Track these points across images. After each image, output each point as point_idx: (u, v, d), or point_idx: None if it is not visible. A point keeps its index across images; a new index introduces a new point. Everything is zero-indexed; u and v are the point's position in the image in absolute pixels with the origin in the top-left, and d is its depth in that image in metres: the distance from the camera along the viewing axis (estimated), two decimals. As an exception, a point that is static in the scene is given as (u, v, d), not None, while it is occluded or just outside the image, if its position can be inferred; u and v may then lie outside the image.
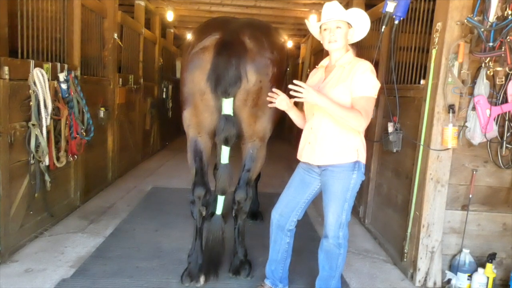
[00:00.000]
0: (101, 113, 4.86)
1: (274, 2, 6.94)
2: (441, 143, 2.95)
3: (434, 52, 2.99)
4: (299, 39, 10.30)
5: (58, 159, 3.56)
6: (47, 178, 3.43)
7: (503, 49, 2.63)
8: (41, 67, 3.33)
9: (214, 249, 2.82)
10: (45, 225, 3.66)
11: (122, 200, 4.82)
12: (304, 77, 9.10)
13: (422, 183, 3.06)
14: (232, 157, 2.79)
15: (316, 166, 2.49)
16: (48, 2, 3.67)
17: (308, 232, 3.94)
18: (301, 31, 9.34)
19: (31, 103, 3.21)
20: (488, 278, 2.90)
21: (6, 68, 2.93)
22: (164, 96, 8.80)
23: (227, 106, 2.68)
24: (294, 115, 2.64)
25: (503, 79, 2.82)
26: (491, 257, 2.93)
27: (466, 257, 3.01)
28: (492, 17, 2.66)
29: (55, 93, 3.52)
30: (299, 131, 2.70)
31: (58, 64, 3.68)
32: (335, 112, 2.29)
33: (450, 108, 2.90)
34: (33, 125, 3.20)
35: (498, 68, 2.78)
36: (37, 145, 3.26)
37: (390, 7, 3.19)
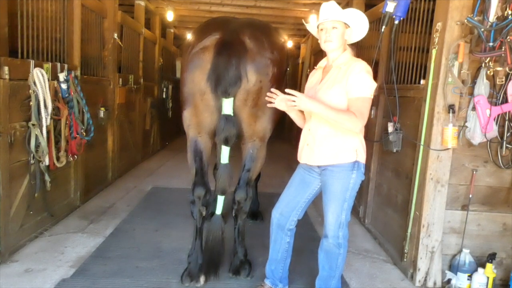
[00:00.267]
0: (101, 113, 4.86)
1: (274, 2, 6.94)
2: (441, 143, 2.95)
3: (434, 52, 2.99)
4: (299, 39, 10.30)
5: (58, 159, 3.56)
6: (47, 178, 3.43)
7: (503, 49, 2.63)
8: (41, 67, 3.33)
9: (214, 249, 2.81)
10: (45, 225, 3.66)
11: (122, 200, 4.82)
12: (304, 77, 9.11)
13: (422, 183, 3.06)
14: (232, 157, 2.79)
15: (316, 166, 2.50)
16: (48, 2, 3.68)
17: (308, 232, 3.94)
18: (301, 31, 9.34)
19: (31, 103, 3.21)
20: (488, 278, 2.90)
21: (6, 68, 2.93)
22: (164, 96, 8.80)
23: (227, 106, 2.68)
24: (294, 115, 2.64)
25: (503, 79, 2.82)
26: (491, 257, 2.93)
27: (466, 257, 3.01)
28: (492, 17, 2.66)
29: (55, 93, 3.52)
30: (299, 131, 2.70)
31: (58, 64, 3.68)
32: (329, 117, 2.32)
33: (450, 108, 2.89)
34: (33, 125, 3.20)
35: (498, 68, 2.78)
36: (37, 145, 3.26)
37: (390, 7, 3.19)
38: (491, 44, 2.67)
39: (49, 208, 3.64)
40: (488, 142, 2.96)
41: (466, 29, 2.82)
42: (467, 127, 2.94)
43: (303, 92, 2.52)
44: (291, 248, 2.73)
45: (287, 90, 2.37)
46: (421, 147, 3.09)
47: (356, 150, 2.42)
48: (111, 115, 5.30)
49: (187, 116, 2.90)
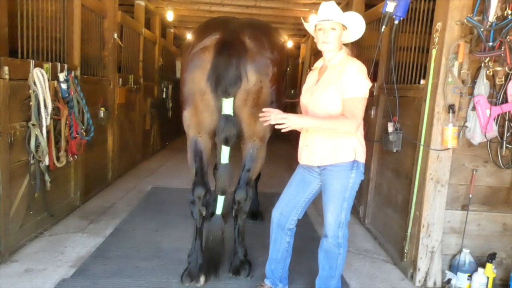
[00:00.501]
0: (101, 113, 4.86)
1: (274, 2, 6.94)
2: (441, 143, 2.95)
3: (434, 52, 2.99)
4: (299, 39, 10.30)
5: (58, 159, 3.56)
6: (47, 178, 3.43)
7: (502, 49, 2.63)
8: (41, 67, 3.33)
9: (214, 249, 2.81)
10: (45, 225, 3.66)
11: (122, 200, 4.82)
12: (304, 77, 9.10)
13: (422, 183, 3.06)
14: (232, 157, 2.79)
15: (316, 166, 2.50)
16: (48, 2, 3.67)
17: (308, 232, 3.94)
18: (301, 31, 9.33)
19: (31, 103, 3.21)
20: (488, 278, 2.90)
21: (6, 68, 2.93)
22: (164, 96, 8.80)
23: (227, 106, 2.68)
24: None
25: (503, 79, 2.82)
26: (491, 257, 2.93)
27: (466, 257, 3.01)
28: (492, 17, 2.66)
29: (55, 93, 3.53)
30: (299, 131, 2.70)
31: (58, 64, 3.68)
32: (322, 127, 2.36)
33: (450, 108, 2.89)
34: (33, 125, 3.20)
35: (498, 68, 2.78)
36: (37, 145, 3.26)
37: (390, 7, 3.19)
38: (490, 44, 2.66)
39: (49, 208, 3.64)
40: (488, 142, 2.96)
41: (466, 29, 2.83)
42: (467, 127, 2.94)
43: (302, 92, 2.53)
44: (291, 248, 2.73)
45: (264, 109, 2.40)
46: (421, 147, 3.09)
47: (354, 149, 2.41)
48: (111, 115, 5.30)
49: (187, 116, 2.90)
